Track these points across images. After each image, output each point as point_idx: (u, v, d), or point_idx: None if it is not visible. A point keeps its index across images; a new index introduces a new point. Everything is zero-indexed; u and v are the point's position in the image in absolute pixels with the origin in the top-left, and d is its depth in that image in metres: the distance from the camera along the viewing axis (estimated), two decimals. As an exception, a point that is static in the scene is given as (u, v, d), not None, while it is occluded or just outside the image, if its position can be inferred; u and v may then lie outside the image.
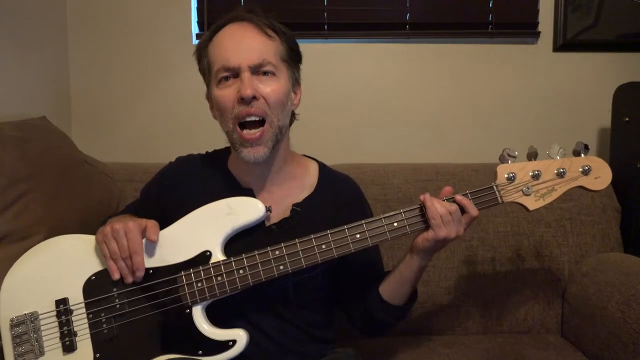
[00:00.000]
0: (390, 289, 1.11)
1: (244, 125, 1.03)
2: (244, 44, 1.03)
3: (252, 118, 1.02)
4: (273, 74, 1.04)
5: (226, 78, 1.03)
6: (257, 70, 1.02)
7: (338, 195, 1.16)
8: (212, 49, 1.06)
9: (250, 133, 1.02)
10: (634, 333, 1.16)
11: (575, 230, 1.55)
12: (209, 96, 1.11)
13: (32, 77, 1.66)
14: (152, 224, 1.03)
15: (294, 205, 1.11)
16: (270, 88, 1.03)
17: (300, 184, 1.15)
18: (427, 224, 1.02)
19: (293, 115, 1.14)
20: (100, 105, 1.90)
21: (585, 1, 1.84)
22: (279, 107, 1.04)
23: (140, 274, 1.00)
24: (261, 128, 1.02)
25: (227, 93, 1.03)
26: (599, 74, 1.89)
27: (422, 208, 1.03)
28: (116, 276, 1.01)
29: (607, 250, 1.54)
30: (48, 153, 1.33)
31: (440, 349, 1.39)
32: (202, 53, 1.09)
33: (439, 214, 1.00)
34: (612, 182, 1.09)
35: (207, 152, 1.23)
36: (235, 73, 1.02)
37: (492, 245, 1.53)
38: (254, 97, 1.00)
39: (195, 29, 1.90)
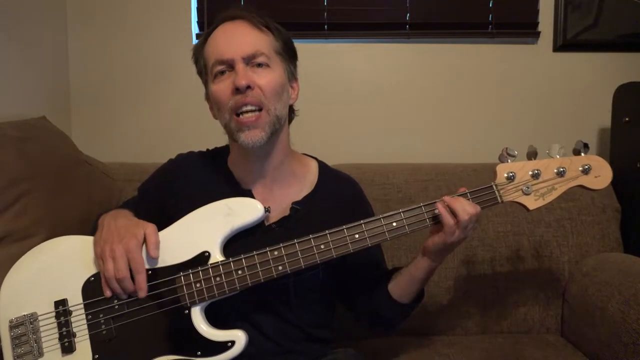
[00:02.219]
0: (401, 288, 1.12)
1: (240, 114, 1.03)
2: (237, 37, 1.04)
3: (249, 107, 1.02)
4: (267, 65, 1.04)
5: (222, 72, 1.04)
6: (251, 61, 1.03)
7: (338, 194, 1.16)
8: (207, 48, 1.08)
9: (246, 117, 1.02)
10: (634, 333, 1.16)
11: (575, 230, 1.55)
12: (208, 96, 1.11)
13: (32, 77, 1.66)
14: (151, 232, 1.02)
15: (293, 203, 1.10)
16: (265, 80, 1.03)
17: (301, 182, 1.15)
18: (426, 224, 1.03)
19: (292, 112, 1.15)
20: (100, 105, 1.90)
21: (585, 1, 1.84)
22: (275, 97, 1.04)
23: (143, 294, 0.99)
24: (258, 113, 1.02)
25: (222, 87, 1.03)
26: (599, 74, 1.88)
27: (422, 208, 1.03)
28: (108, 294, 1.00)
29: (607, 250, 1.54)
30: (48, 153, 1.33)
31: (440, 349, 1.39)
32: (198, 55, 1.10)
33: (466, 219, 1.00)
34: (612, 182, 1.08)
35: (207, 150, 1.23)
36: (229, 66, 1.03)
37: (492, 245, 1.53)
38: (249, 87, 1.01)
39: (195, 29, 1.90)
